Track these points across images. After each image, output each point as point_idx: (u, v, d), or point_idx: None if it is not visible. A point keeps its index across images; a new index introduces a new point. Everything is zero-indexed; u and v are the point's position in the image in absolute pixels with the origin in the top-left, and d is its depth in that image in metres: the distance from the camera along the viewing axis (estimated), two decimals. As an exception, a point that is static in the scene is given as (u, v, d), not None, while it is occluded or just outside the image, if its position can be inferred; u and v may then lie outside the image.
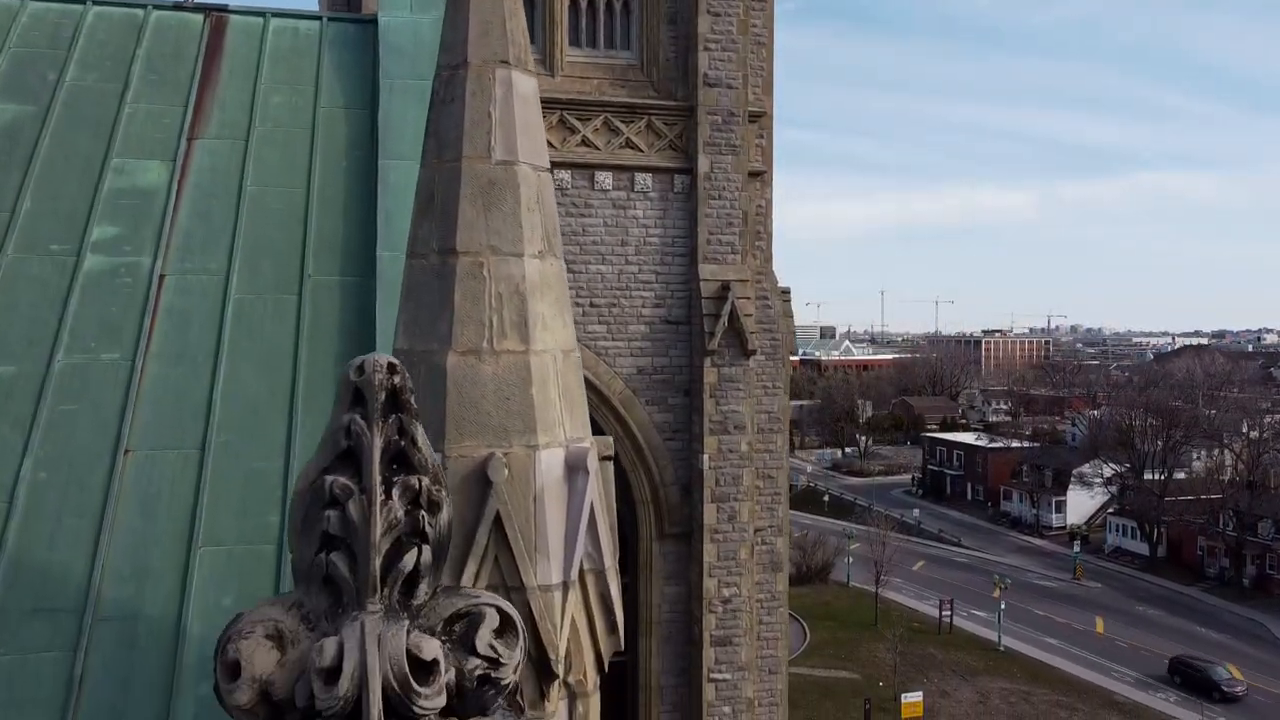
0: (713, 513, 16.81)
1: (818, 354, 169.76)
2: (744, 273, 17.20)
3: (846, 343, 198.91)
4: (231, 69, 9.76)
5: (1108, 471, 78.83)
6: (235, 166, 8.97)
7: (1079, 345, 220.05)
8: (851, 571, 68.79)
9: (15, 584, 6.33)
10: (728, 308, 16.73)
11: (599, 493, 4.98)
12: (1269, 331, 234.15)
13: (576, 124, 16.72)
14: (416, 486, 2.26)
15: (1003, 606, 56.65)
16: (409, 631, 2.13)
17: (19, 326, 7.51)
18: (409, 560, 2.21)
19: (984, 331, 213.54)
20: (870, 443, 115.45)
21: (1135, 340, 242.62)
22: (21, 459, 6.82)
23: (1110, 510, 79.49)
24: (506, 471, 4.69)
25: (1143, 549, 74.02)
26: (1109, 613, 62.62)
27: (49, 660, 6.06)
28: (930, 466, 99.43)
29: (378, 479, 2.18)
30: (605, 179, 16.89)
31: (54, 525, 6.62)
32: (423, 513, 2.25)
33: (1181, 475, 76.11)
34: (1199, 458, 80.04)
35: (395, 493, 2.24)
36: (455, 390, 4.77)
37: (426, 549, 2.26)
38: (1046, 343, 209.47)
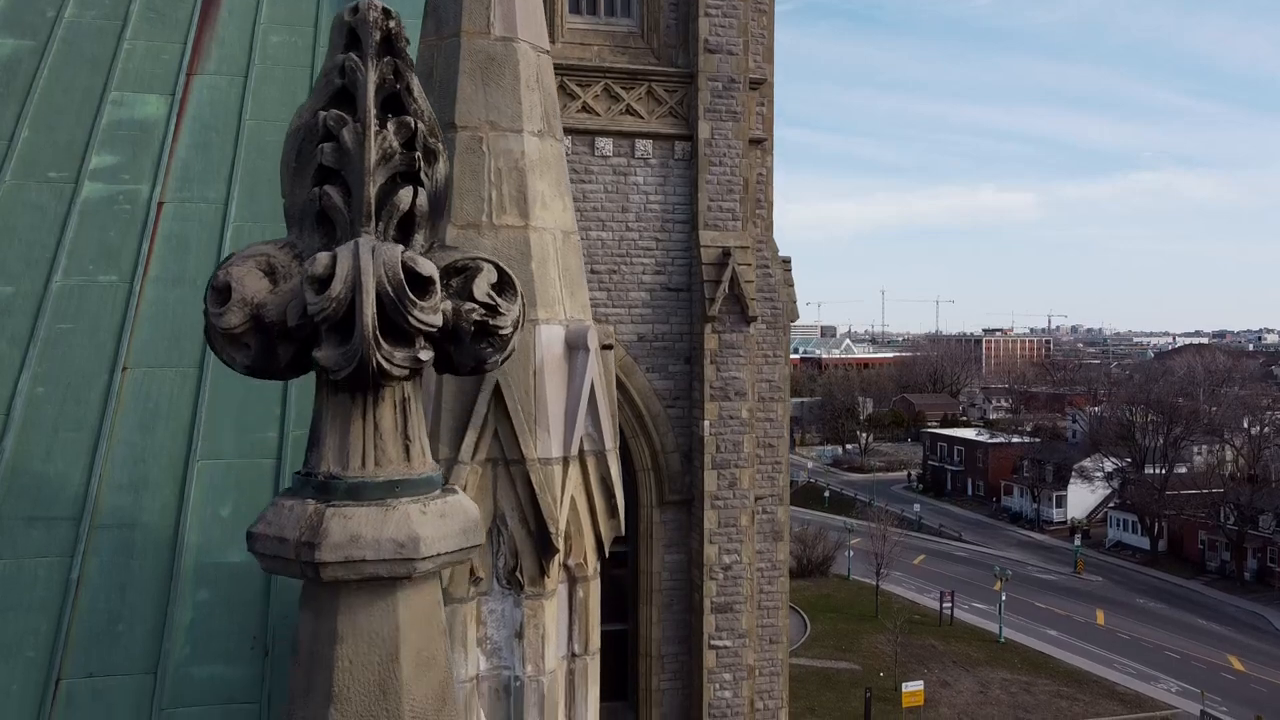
0: (713, 479, 16.78)
1: (818, 352, 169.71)
2: (745, 240, 17.17)
3: (847, 341, 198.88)
4: (231, 8, 9.73)
5: (1109, 466, 78.78)
6: (234, 102, 8.94)
7: (1079, 345, 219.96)
8: (852, 565, 68.80)
9: (12, 493, 6.29)
10: (728, 274, 16.70)
11: (599, 374, 4.94)
12: (1270, 331, 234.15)
13: (577, 90, 16.70)
14: (412, 126, 2.19)
15: (1003, 598, 56.58)
16: (404, 250, 2.07)
17: (16, 249, 7.48)
18: (404, 197, 2.14)
19: (984, 330, 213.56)
20: (871, 439, 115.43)
21: (1136, 340, 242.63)
22: (19, 374, 6.78)
23: (1111, 505, 79.44)
24: (506, 342, 4.65)
25: (1143, 543, 73.96)
26: (1110, 605, 62.58)
27: (45, 565, 6.02)
28: (930, 462, 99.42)
29: (372, 109, 2.12)
30: (606, 145, 16.86)
31: (51, 438, 6.57)
32: (418, 155, 2.19)
33: (1183, 470, 76.11)
34: (1200, 453, 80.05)
35: (391, 128, 2.18)
36: (454, 263, 4.74)
37: (423, 193, 2.20)
38: (1047, 342, 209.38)
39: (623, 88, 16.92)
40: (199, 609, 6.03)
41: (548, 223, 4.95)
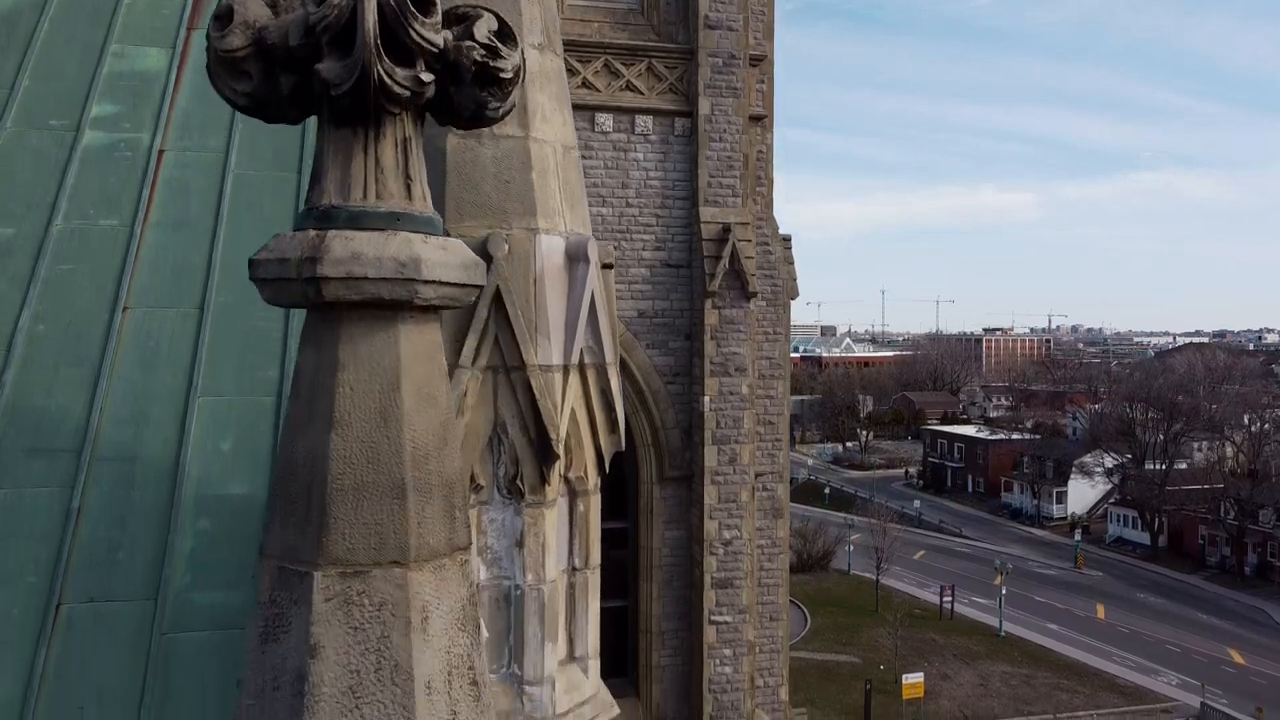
0: (713, 455, 16.78)
1: (819, 351, 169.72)
2: (745, 216, 17.17)
3: (847, 340, 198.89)
4: (231, -34, 9.74)
5: (1109, 462, 78.78)
6: (235, 55, 8.96)
7: (1080, 345, 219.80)
8: (852, 560, 68.81)
9: (12, 427, 6.31)
10: (728, 249, 16.70)
11: (599, 287, 4.95)
12: (1270, 331, 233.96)
13: (576, 65, 16.70)
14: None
15: (1004, 592, 56.59)
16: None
17: (17, 193, 7.49)
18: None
19: (985, 330, 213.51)
20: (871, 437, 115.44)
21: (1136, 340, 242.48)
22: (19, 312, 6.79)
23: (1111, 500, 79.44)
24: (506, 247, 4.66)
25: (1144, 539, 73.95)
26: (1110, 600, 62.58)
27: (46, 495, 6.03)
28: (930, 459, 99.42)
29: None
30: (605, 121, 16.87)
31: (52, 374, 6.59)
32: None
33: (1183, 466, 76.12)
34: (1200, 449, 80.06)
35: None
36: (455, 172, 4.75)
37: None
38: (1048, 341, 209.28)
39: (623, 64, 16.92)
40: (200, 538, 6.04)
41: (548, 135, 4.96)
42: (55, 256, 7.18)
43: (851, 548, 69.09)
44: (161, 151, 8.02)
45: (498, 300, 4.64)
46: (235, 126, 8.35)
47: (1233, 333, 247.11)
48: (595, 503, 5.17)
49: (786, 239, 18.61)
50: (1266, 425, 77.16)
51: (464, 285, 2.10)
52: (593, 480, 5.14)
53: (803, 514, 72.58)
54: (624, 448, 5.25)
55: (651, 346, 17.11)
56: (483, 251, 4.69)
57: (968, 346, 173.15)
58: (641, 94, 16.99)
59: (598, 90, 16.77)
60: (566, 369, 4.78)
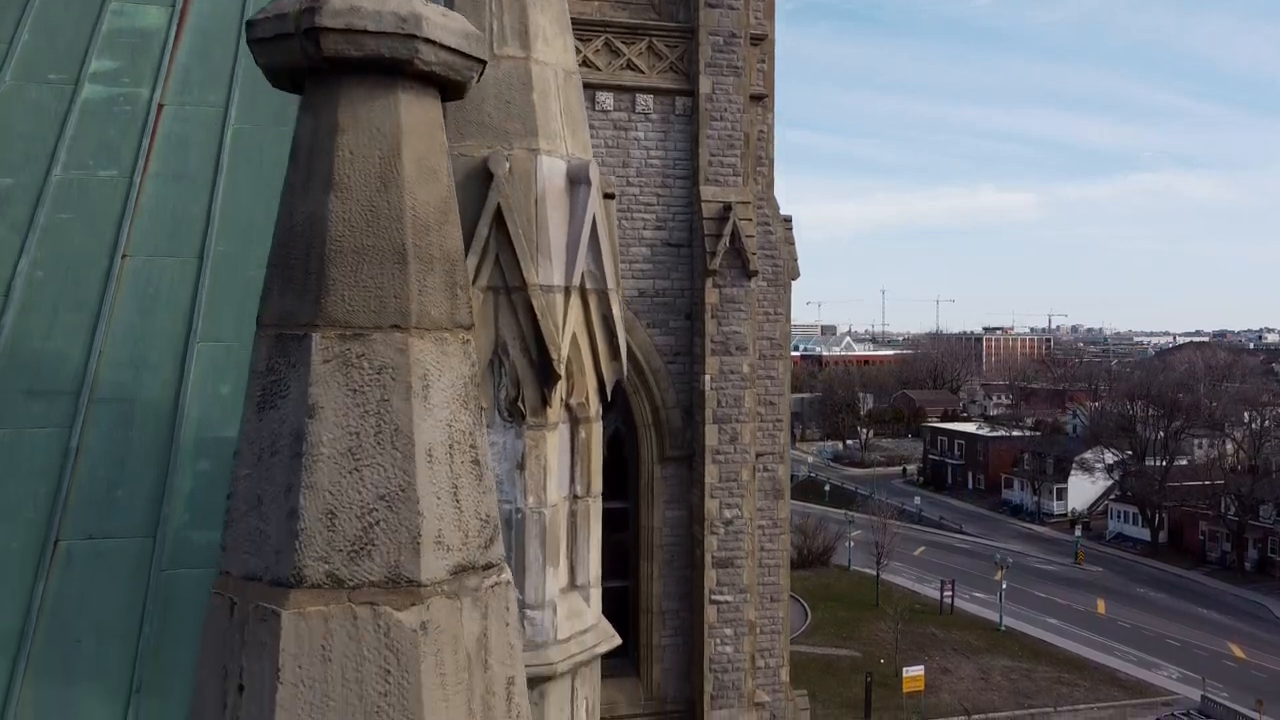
0: (714, 434, 16.75)
1: (819, 350, 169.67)
2: (745, 195, 17.15)
3: (848, 339, 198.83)
4: (231, -73, 9.69)
5: (1109, 458, 78.73)
6: (235, 13, 8.92)
7: (1080, 344, 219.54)
8: (852, 556, 68.77)
9: (11, 369, 6.28)
10: (729, 228, 16.67)
11: (600, 210, 4.92)
12: (1270, 331, 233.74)
13: (577, 44, 16.65)
14: None
15: (1004, 587, 56.54)
16: None
17: (16, 144, 7.46)
18: None
19: (985, 329, 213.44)
20: (871, 435, 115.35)
21: (1136, 340, 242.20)
22: (18, 257, 6.77)
23: (1112, 497, 79.41)
24: (508, 165, 4.63)
25: (1144, 535, 73.91)
26: (1110, 595, 62.55)
27: (44, 435, 6.00)
28: (931, 456, 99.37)
29: None
30: (606, 99, 16.83)
31: (51, 318, 6.56)
32: None
33: (1183, 462, 76.09)
34: (1200, 446, 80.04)
35: None
36: (455, 91, 4.72)
37: None
38: (1048, 341, 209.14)
39: (623, 42, 16.90)
40: (199, 479, 6.01)
41: (549, 58, 4.92)
42: (54, 205, 7.15)
43: (852, 543, 69.08)
44: (161, 106, 7.99)
45: (498, 219, 4.61)
46: (235, 83, 8.32)
47: (1233, 332, 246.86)
48: (597, 430, 5.14)
49: (787, 220, 18.59)
50: (1267, 422, 77.13)
51: (465, 55, 2.05)
52: (594, 407, 5.11)
53: (803, 511, 72.50)
54: (624, 376, 5.22)
55: (652, 326, 17.08)
56: (484, 170, 4.66)
57: (968, 345, 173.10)
58: (642, 73, 16.96)
59: (598, 69, 16.74)
60: (568, 290, 4.75)
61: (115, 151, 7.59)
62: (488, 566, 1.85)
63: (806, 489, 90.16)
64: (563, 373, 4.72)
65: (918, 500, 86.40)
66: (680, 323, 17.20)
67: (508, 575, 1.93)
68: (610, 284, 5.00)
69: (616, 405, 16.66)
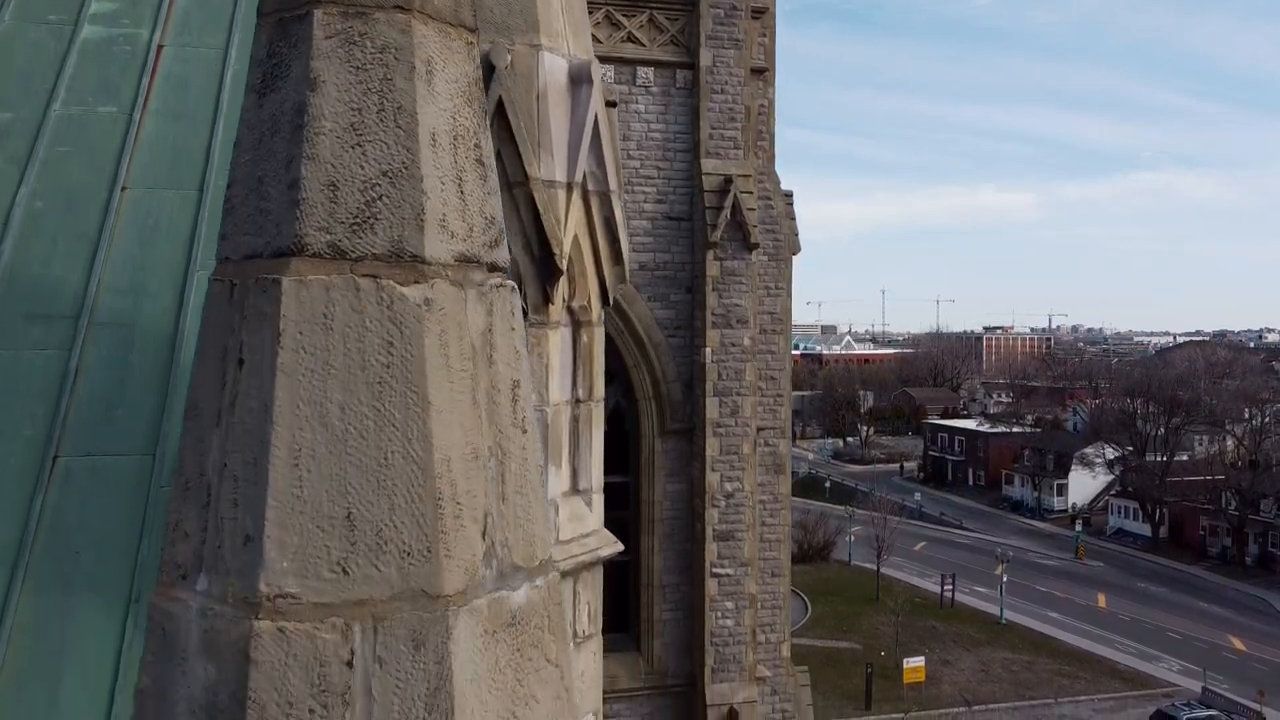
0: (715, 406, 16.72)
1: (819, 348, 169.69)
2: (746, 168, 17.12)
3: (848, 338, 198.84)
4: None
5: (1110, 454, 78.69)
6: (235, -40, 8.89)
7: (1080, 344, 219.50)
8: (853, 551, 68.73)
9: (10, 294, 6.26)
10: (730, 200, 16.65)
11: (602, 111, 4.89)
12: (1270, 331, 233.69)
13: (578, 16, 16.65)
14: None
15: (1004, 580, 56.50)
16: None
17: (15, 81, 7.44)
18: None
19: (985, 328, 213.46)
20: (871, 433, 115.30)
21: (1137, 340, 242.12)
22: (17, 188, 6.74)
23: (1112, 493, 79.37)
24: (509, 58, 4.61)
25: (1144, 530, 73.86)
26: (1111, 589, 62.51)
27: (43, 356, 5.98)
28: (931, 453, 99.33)
29: None
30: (607, 73, 16.78)
31: (50, 247, 6.54)
32: None
33: (1183, 458, 76.05)
34: (1200, 443, 79.99)
35: None
36: (457, -13, 4.69)
37: None
38: (1048, 340, 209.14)
39: (624, 15, 16.88)
40: (198, 401, 5.99)
41: (551, -43, 4.90)
42: (54, 139, 7.13)
43: (852, 539, 69.03)
44: (160, 47, 7.97)
45: (500, 112, 4.58)
46: (235, 26, 8.30)
47: (1233, 332, 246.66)
48: (599, 334, 5.11)
49: (788, 194, 18.56)
50: (1267, 419, 77.08)
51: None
52: (596, 311, 5.08)
53: (803, 507, 72.40)
54: (626, 281, 5.19)
55: (653, 299, 17.06)
56: (485, 64, 4.63)
57: (968, 344, 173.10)
58: (642, 45, 16.94)
59: (599, 41, 16.70)
60: (569, 187, 4.73)
61: (115, 89, 7.57)
62: (493, 267, 1.82)
63: (807, 485, 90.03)
64: (564, 269, 4.70)
65: (918, 496, 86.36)
66: (681, 296, 17.18)
67: (513, 284, 1.90)
68: (612, 185, 4.98)
69: (617, 379, 16.63)
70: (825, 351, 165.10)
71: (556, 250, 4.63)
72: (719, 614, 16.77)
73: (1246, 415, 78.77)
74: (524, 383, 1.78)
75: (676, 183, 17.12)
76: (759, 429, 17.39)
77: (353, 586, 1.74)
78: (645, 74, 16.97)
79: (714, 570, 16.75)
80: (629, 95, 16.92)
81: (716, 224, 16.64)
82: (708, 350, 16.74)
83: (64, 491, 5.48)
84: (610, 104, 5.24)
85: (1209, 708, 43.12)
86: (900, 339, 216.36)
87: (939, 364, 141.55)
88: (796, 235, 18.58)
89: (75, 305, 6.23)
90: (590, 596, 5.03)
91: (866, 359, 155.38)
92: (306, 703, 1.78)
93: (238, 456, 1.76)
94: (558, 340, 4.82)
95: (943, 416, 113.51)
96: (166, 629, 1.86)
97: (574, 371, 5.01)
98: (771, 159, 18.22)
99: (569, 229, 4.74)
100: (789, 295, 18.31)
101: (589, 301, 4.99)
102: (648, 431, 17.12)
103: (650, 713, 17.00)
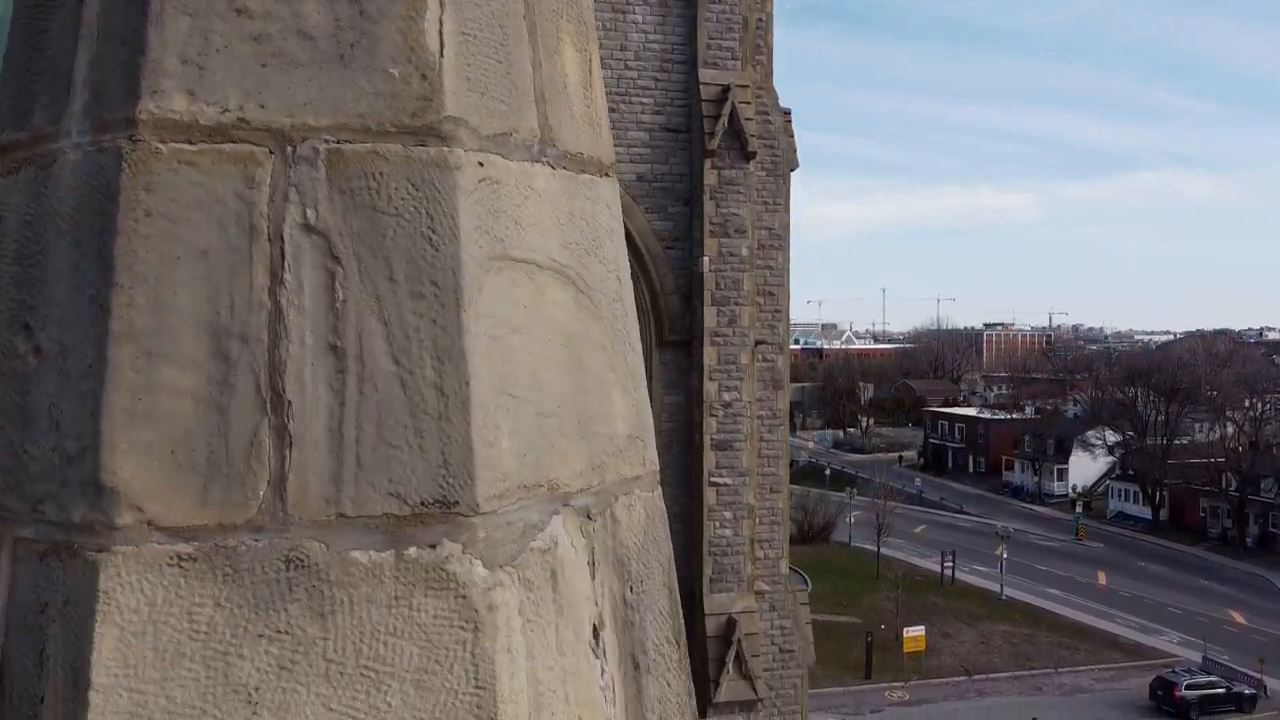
0: (713, 315, 16.72)
1: (820, 343, 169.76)
2: (744, 79, 17.13)
3: (849, 334, 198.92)
4: None
5: (1111, 438, 78.65)
6: None
7: (1080, 343, 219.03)
8: (853, 533, 68.67)
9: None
10: (727, 108, 16.65)
11: None
12: (1271, 329, 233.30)
13: (576, -75, 16.65)
14: None
15: (1004, 557, 56.47)
16: None
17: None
18: None
19: (986, 324, 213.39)
20: (872, 423, 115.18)
21: (1137, 338, 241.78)
22: None
23: (1113, 476, 79.33)
24: None
25: (1145, 513, 73.82)
26: (1112, 569, 62.48)
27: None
28: (931, 440, 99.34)
29: None
30: (605, -18, 16.79)
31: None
32: None
33: (1184, 441, 76.01)
34: (1201, 428, 79.94)
35: None
36: None
37: None
38: (1048, 337, 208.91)
39: (622, -75, 16.88)
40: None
41: None
42: None
43: (852, 521, 68.97)
44: None
45: None
46: None
47: (1233, 331, 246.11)
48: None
49: (787, 112, 18.56)
50: (1266, 406, 77.08)
51: None
52: None
53: (803, 493, 72.32)
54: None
55: (650, 211, 17.05)
56: None
57: (969, 339, 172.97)
58: (641, -44, 16.93)
59: (597, -50, 16.71)
60: None
61: None
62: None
63: (807, 473, 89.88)
64: None
65: (918, 481, 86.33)
66: (679, 208, 17.16)
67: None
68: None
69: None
70: (826, 347, 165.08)
71: None
72: (717, 523, 16.75)
73: (1247, 404, 78.69)
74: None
75: (674, 94, 17.11)
76: (757, 342, 17.38)
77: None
78: (643, -16, 16.96)
79: (712, 479, 16.73)
80: (626, 5, 16.92)
81: (714, 132, 16.63)
82: (705, 259, 16.73)
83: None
84: None
85: (1209, 674, 43.10)
86: (901, 336, 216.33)
87: (939, 358, 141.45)
88: (795, 152, 18.57)
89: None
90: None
91: (867, 354, 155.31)
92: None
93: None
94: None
95: (943, 407, 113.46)
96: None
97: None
98: (769, 74, 18.21)
99: None
100: (787, 211, 18.29)
101: None
102: (646, 343, 17.09)
103: (648, 626, 16.96)
